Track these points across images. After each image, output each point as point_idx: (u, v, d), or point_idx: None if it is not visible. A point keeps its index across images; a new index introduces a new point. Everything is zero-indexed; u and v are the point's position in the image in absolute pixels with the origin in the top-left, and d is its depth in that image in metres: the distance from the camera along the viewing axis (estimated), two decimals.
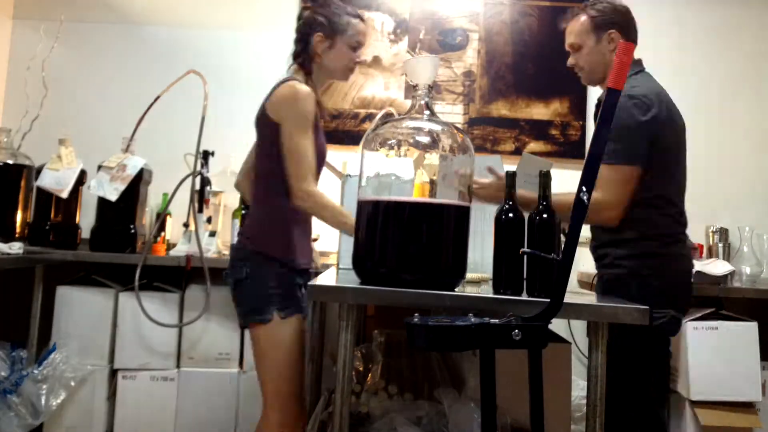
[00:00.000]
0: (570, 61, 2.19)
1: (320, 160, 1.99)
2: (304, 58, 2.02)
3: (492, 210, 2.03)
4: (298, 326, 1.91)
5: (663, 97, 2.03)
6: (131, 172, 2.64)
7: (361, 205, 1.60)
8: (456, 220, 1.54)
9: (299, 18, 2.06)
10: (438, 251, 1.52)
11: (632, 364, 1.90)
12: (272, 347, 1.86)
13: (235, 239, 2.24)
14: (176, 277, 2.75)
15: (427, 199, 1.65)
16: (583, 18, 2.12)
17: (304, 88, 1.89)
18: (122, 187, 2.61)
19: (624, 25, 2.09)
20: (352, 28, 2.01)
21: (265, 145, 1.96)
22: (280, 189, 1.89)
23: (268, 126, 1.92)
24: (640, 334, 1.75)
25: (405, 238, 1.51)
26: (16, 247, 2.45)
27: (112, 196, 2.60)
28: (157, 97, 2.76)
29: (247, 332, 2.56)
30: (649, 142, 1.91)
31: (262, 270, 1.89)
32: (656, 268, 1.92)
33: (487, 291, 1.59)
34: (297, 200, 1.85)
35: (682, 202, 2.06)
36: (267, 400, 1.87)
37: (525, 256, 1.47)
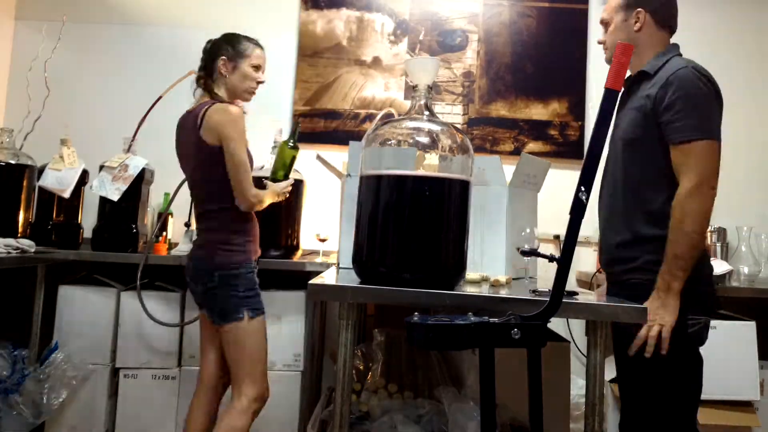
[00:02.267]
0: (599, 38, 2.12)
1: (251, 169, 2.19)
2: (207, 81, 2.21)
3: (492, 210, 2.05)
4: (263, 322, 2.15)
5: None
6: (133, 172, 2.65)
7: (361, 202, 1.61)
8: (455, 218, 1.55)
9: (204, 50, 2.26)
10: (437, 250, 1.53)
11: (671, 374, 1.79)
12: (247, 338, 2.08)
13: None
14: (178, 276, 2.76)
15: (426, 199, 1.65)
16: None
17: (235, 108, 2.10)
18: (124, 187, 2.63)
19: (656, 7, 1.95)
20: (251, 51, 2.23)
21: (205, 170, 2.13)
22: (227, 203, 2.11)
23: (205, 151, 2.08)
24: (677, 343, 1.72)
25: (405, 237, 1.52)
26: (26, 244, 2.46)
27: (114, 196, 2.61)
28: (159, 98, 2.77)
29: None
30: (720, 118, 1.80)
31: (230, 278, 2.09)
32: (692, 273, 1.74)
33: (487, 290, 1.60)
34: (248, 204, 2.10)
35: None
36: (242, 381, 2.08)
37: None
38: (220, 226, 2.13)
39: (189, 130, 2.14)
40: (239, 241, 2.13)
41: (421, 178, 1.53)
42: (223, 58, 2.21)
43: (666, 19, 1.98)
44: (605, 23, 2.06)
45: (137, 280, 2.51)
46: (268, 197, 2.19)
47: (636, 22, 1.96)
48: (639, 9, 1.95)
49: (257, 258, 2.21)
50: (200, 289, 2.13)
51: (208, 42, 2.28)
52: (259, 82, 2.27)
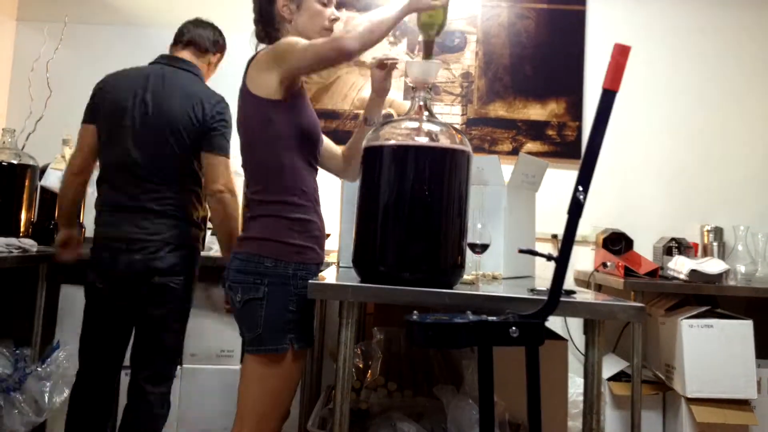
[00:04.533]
0: None
1: (314, 134, 1.81)
2: (270, 32, 1.84)
3: (491, 210, 2.06)
4: (304, 359, 1.76)
5: None
6: None
7: (361, 202, 1.62)
8: (454, 217, 1.57)
9: None
10: (437, 249, 1.54)
11: None
12: (275, 379, 1.70)
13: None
14: None
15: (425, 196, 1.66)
16: None
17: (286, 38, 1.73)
18: None
19: None
20: None
21: (249, 132, 1.77)
22: (273, 177, 1.72)
23: (255, 105, 1.73)
24: None
25: (404, 236, 1.54)
26: (28, 243, 2.47)
27: None
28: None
29: None
30: None
31: (281, 289, 1.68)
32: None
33: (483, 290, 1.61)
34: (339, 41, 1.61)
35: None
36: (243, 418, 1.71)
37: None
38: (262, 213, 1.73)
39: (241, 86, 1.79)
40: (304, 238, 1.73)
41: (421, 177, 1.54)
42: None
43: None
44: None
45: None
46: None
47: None
48: None
49: (320, 264, 1.80)
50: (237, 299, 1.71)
51: None
52: (333, 19, 1.84)
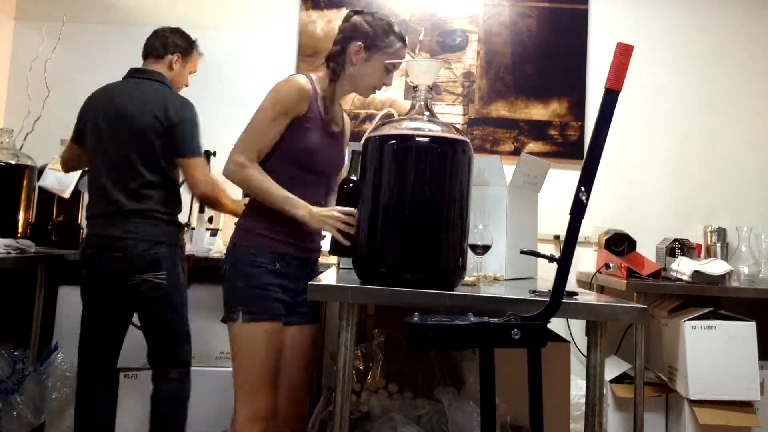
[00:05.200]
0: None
1: (312, 159, 1.94)
2: (337, 62, 1.95)
3: (492, 210, 2.05)
4: (267, 331, 1.87)
5: None
6: None
7: (361, 203, 1.61)
8: (455, 218, 1.55)
9: (346, 19, 1.98)
10: (437, 250, 1.53)
11: None
12: (238, 346, 1.87)
13: None
14: None
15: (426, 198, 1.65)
16: None
17: (299, 80, 1.88)
18: None
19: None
20: (394, 50, 1.94)
21: None
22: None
23: None
24: None
25: (405, 237, 1.52)
26: (26, 244, 2.46)
27: None
28: None
29: None
30: None
31: (237, 266, 1.89)
32: None
33: (484, 291, 1.60)
34: (226, 168, 1.85)
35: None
36: (236, 394, 1.88)
37: None
38: (251, 203, 1.96)
39: None
40: (266, 227, 1.90)
41: (421, 178, 1.53)
42: (360, 44, 1.92)
43: None
44: None
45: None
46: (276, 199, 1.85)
47: None
48: None
49: (286, 255, 1.93)
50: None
51: (354, 12, 1.98)
52: (383, 84, 2.00)
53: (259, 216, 1.90)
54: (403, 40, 1.96)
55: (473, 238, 1.73)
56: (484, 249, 1.79)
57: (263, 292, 1.87)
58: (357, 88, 2.00)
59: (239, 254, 1.89)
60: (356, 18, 1.95)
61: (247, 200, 2.05)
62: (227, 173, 1.86)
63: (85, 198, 2.92)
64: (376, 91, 2.03)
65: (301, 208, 1.82)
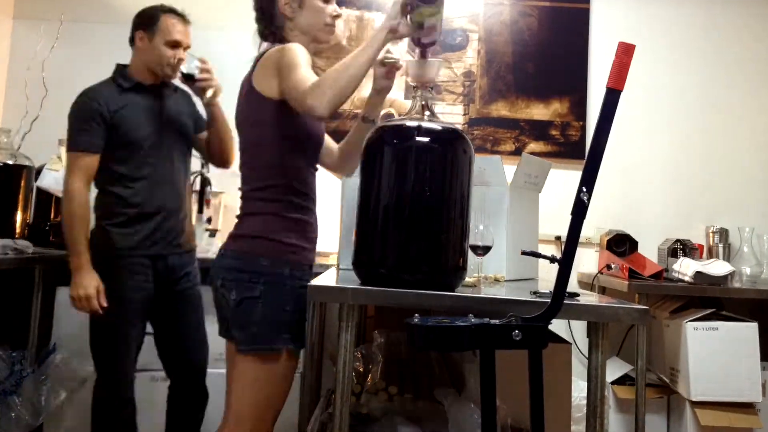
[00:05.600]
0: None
1: (316, 135, 1.83)
2: (272, 30, 1.82)
3: (493, 211, 2.04)
4: (297, 360, 1.72)
5: None
6: None
7: (361, 204, 1.60)
8: (456, 219, 1.54)
9: None
10: (438, 251, 1.52)
11: None
12: (264, 378, 1.65)
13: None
14: None
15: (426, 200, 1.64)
16: None
17: (291, 43, 1.71)
18: None
19: None
20: None
21: (248, 129, 1.76)
22: (273, 180, 1.71)
23: (259, 102, 1.71)
24: None
25: (405, 238, 1.51)
26: (24, 245, 2.45)
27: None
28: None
29: None
30: None
31: (277, 288, 1.66)
32: None
33: (485, 292, 1.59)
34: (308, 102, 1.53)
35: None
36: (235, 422, 1.66)
37: None
38: (260, 210, 1.72)
39: (243, 84, 1.79)
40: (298, 237, 1.71)
41: (421, 178, 1.52)
42: None
43: None
44: None
45: None
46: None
47: None
48: None
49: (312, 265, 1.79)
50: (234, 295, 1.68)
51: None
52: (335, 16, 1.84)
53: (288, 222, 1.70)
54: None
55: (474, 238, 1.72)
56: (484, 250, 1.78)
57: (302, 317, 1.71)
58: (313, 34, 1.84)
59: (272, 272, 1.66)
60: None
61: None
62: (316, 104, 1.52)
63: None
64: (333, 27, 1.86)
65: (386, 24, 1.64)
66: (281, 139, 1.72)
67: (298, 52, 1.67)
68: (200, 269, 2.57)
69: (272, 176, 1.72)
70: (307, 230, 1.76)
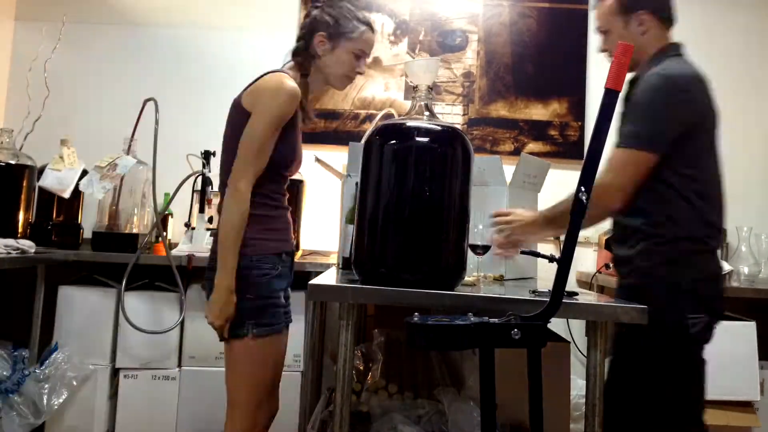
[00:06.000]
0: (600, 46, 2.01)
1: (293, 164, 1.89)
2: (304, 57, 1.90)
3: (492, 210, 2.05)
4: (275, 343, 1.81)
5: (700, 79, 1.81)
6: (121, 171, 2.64)
7: (361, 203, 1.61)
8: (455, 218, 1.55)
9: (307, 15, 1.94)
10: (437, 250, 1.53)
11: (674, 376, 1.77)
12: (244, 362, 1.77)
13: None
14: (180, 276, 2.76)
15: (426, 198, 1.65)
16: (610, 1, 1.90)
17: (290, 84, 1.76)
18: (110, 185, 2.61)
19: (656, 5, 1.87)
20: (358, 35, 1.88)
21: (229, 138, 1.83)
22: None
23: (240, 115, 1.78)
24: (677, 345, 1.73)
25: (405, 237, 1.52)
26: (26, 244, 2.46)
27: (99, 195, 2.59)
28: (133, 133, 2.75)
29: None
30: (677, 126, 1.72)
31: (239, 278, 1.74)
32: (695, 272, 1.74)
33: (484, 291, 1.60)
34: (227, 192, 1.73)
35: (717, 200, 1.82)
36: (232, 409, 1.79)
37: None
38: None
39: (243, 89, 1.85)
40: (255, 231, 1.77)
41: (421, 178, 1.53)
42: (322, 34, 1.87)
43: (668, 14, 1.90)
44: (604, 31, 1.97)
45: (123, 280, 2.51)
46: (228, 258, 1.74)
47: (640, 25, 1.86)
48: (640, 11, 1.85)
49: (282, 254, 1.84)
50: (206, 291, 1.81)
51: (313, 6, 1.93)
52: (358, 72, 1.94)
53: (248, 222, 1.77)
54: (367, 24, 1.91)
55: (473, 238, 1.73)
56: (484, 249, 1.79)
57: (271, 301, 1.79)
58: (329, 79, 1.94)
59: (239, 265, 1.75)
60: (315, 12, 1.91)
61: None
62: (226, 198, 1.74)
63: (85, 198, 2.93)
64: (351, 80, 1.96)
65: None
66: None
67: (282, 105, 1.74)
68: (204, 268, 2.58)
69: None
70: (266, 222, 1.81)
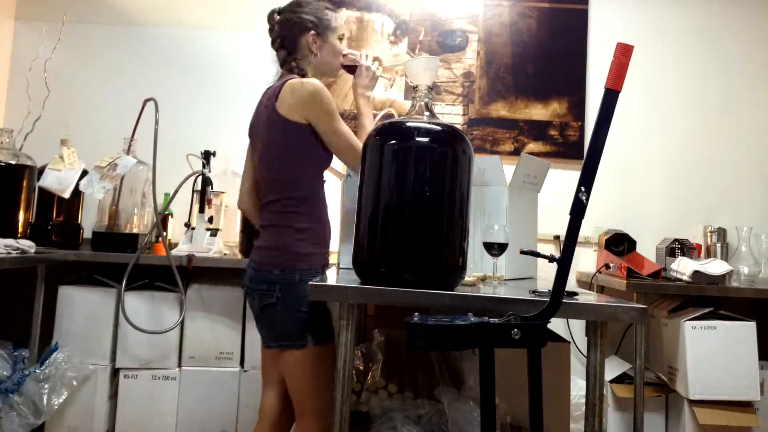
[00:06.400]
0: None
1: (331, 160, 1.96)
2: (296, 60, 1.96)
3: (492, 210, 2.05)
4: (331, 350, 1.88)
5: None
6: (121, 171, 2.64)
7: (361, 204, 1.61)
8: (456, 218, 1.55)
9: (278, 22, 2.00)
10: (437, 250, 1.53)
11: None
12: (311, 371, 1.82)
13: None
14: (180, 276, 2.76)
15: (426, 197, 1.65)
16: None
17: (314, 82, 1.83)
18: (110, 185, 2.61)
19: None
20: (335, 22, 2.02)
21: (286, 152, 1.87)
22: (296, 191, 1.85)
23: (289, 129, 1.83)
24: None
25: (405, 237, 1.52)
26: (26, 244, 2.46)
27: (99, 195, 2.59)
28: (133, 133, 2.75)
29: (248, 331, 2.60)
30: None
31: (294, 292, 1.80)
32: None
33: (484, 291, 1.60)
34: (355, 165, 1.83)
35: None
36: (306, 414, 1.84)
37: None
38: (284, 222, 1.85)
39: (263, 106, 1.91)
40: (308, 243, 1.84)
41: (421, 178, 1.53)
42: (313, 33, 1.96)
43: None
44: None
45: (123, 280, 2.51)
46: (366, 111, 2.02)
47: None
48: None
49: (324, 266, 1.90)
50: (257, 303, 1.86)
51: (276, 13, 2.01)
52: (344, 55, 2.06)
53: (299, 232, 1.83)
54: (333, 9, 2.03)
55: (489, 238, 1.74)
56: (500, 249, 1.78)
57: (324, 313, 1.87)
58: (327, 71, 2.04)
59: (292, 279, 1.80)
60: (289, 15, 1.98)
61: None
62: (357, 168, 1.80)
63: (85, 198, 2.93)
64: (339, 70, 2.08)
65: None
66: (299, 157, 1.85)
67: (331, 99, 1.85)
68: (204, 268, 2.58)
69: (287, 189, 1.85)
70: (317, 235, 1.87)
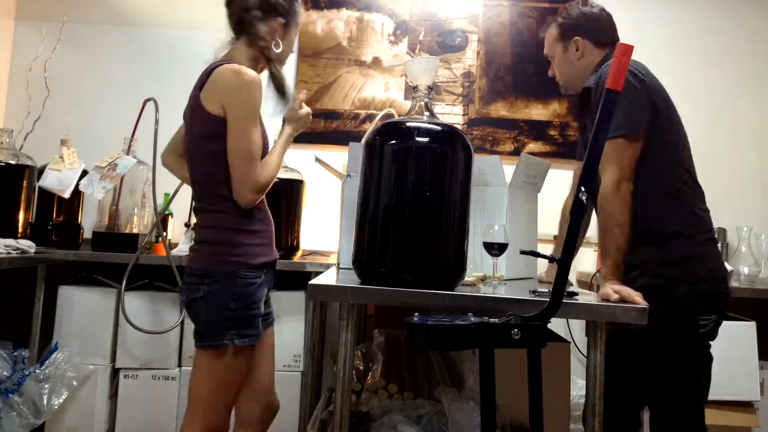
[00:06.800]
0: (550, 71, 2.10)
1: (264, 153, 1.82)
2: (266, 42, 1.82)
3: (492, 210, 2.05)
4: (251, 351, 1.78)
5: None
6: (121, 171, 2.64)
7: (361, 204, 1.61)
8: (456, 218, 1.55)
9: (247, 4, 1.83)
10: (438, 250, 1.53)
11: (687, 374, 1.81)
12: (221, 370, 1.73)
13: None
14: (180, 276, 2.76)
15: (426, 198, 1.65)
16: (552, 27, 2.05)
17: (252, 73, 1.72)
18: (110, 186, 2.61)
19: (592, 30, 1.98)
20: (300, 16, 1.92)
21: (202, 143, 1.76)
22: (226, 191, 1.73)
23: (206, 120, 1.72)
24: (690, 346, 1.78)
25: (405, 237, 1.52)
26: (26, 244, 2.46)
27: (99, 195, 2.59)
28: (133, 133, 2.75)
29: None
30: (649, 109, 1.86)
31: (221, 289, 1.72)
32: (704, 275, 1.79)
33: (484, 291, 1.60)
34: (246, 200, 1.71)
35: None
36: (195, 410, 1.75)
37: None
38: (215, 222, 1.76)
39: (192, 93, 1.79)
40: (241, 240, 1.75)
41: (421, 178, 1.53)
42: (281, 20, 1.83)
43: (605, 37, 1.99)
44: (550, 57, 2.08)
45: (123, 280, 2.51)
46: (280, 149, 1.81)
47: (576, 50, 1.99)
48: (577, 37, 1.98)
49: (267, 262, 1.82)
50: (185, 297, 1.77)
51: None
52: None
53: (233, 232, 1.75)
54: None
55: (489, 238, 1.73)
56: (500, 249, 1.76)
57: (254, 312, 1.76)
58: (279, 61, 1.90)
59: (220, 275, 1.72)
60: None
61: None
62: (250, 204, 1.73)
63: (85, 198, 2.93)
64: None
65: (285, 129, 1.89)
66: (221, 153, 1.72)
67: (257, 100, 1.73)
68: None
69: (213, 188, 1.76)
70: (253, 232, 1.79)
